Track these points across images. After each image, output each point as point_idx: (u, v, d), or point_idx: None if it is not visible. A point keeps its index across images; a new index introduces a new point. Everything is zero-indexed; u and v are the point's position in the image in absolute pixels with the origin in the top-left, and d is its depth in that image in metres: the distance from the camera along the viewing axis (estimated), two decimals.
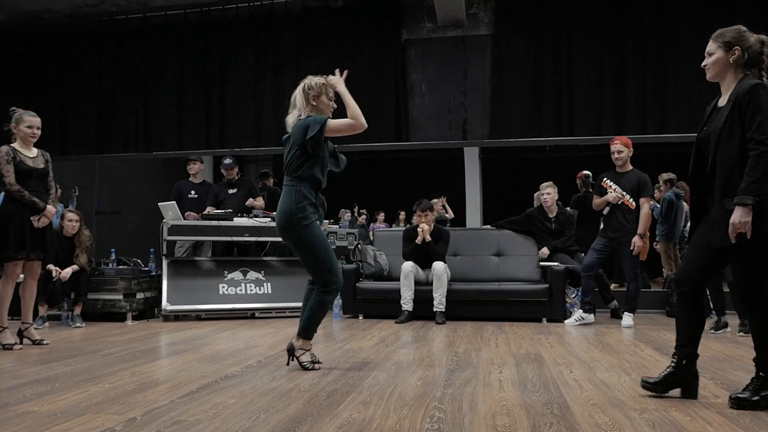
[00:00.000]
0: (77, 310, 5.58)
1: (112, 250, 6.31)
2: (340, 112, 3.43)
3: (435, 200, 6.78)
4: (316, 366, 3.41)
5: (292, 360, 3.45)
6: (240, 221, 6.18)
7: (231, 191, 6.80)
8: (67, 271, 5.51)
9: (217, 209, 6.52)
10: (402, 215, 10.81)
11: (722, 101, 2.70)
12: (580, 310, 5.56)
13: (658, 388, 2.75)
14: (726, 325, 5.11)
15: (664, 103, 6.83)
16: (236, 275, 6.19)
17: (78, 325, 5.48)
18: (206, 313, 5.99)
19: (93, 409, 2.56)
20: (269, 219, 6.17)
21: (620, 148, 5.52)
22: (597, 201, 5.64)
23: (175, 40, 7.98)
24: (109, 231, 10.20)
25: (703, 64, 2.74)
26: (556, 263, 5.89)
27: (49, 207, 4.33)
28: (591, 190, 6.53)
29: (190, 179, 7.04)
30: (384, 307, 5.96)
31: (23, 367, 3.54)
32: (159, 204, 6.21)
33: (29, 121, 4.35)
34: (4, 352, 4.11)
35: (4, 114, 4.46)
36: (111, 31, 8.08)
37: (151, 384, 3.04)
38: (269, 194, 7.21)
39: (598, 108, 6.99)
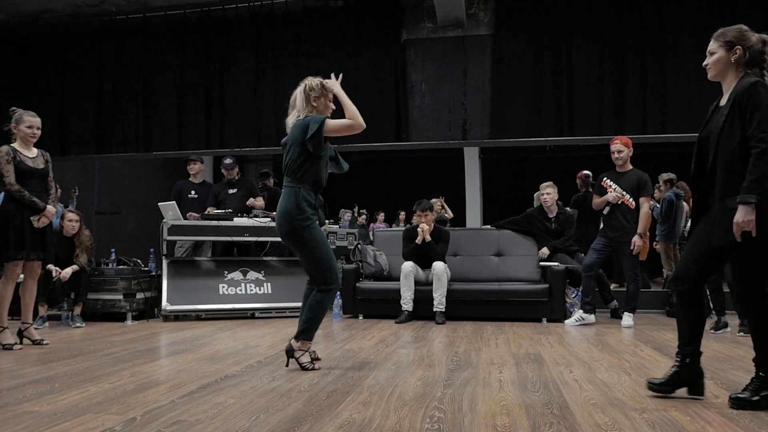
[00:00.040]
0: (77, 310, 5.58)
1: (112, 250, 6.31)
2: (339, 114, 3.45)
3: (434, 200, 6.78)
4: (316, 366, 3.41)
5: (291, 361, 3.45)
6: (240, 221, 6.18)
7: (231, 191, 6.80)
8: (67, 271, 5.51)
9: (217, 209, 6.52)
10: (402, 215, 10.81)
11: (723, 100, 2.70)
12: (581, 311, 5.56)
13: (664, 388, 2.73)
14: (726, 325, 5.11)
15: (664, 103, 6.83)
16: (236, 275, 6.19)
17: (78, 325, 5.48)
18: (206, 313, 5.99)
19: (93, 409, 2.56)
20: (269, 219, 6.17)
21: (620, 147, 5.52)
22: (597, 201, 5.64)
23: (175, 40, 7.98)
24: (109, 231, 10.20)
25: (704, 63, 2.74)
26: (556, 263, 5.89)
27: (49, 207, 4.33)
28: (591, 189, 6.53)
29: (190, 179, 7.04)
30: (384, 307, 5.96)
31: (23, 367, 3.54)
32: (159, 204, 6.21)
33: (29, 121, 4.35)
34: (4, 352, 4.11)
35: (4, 114, 4.46)
36: (111, 31, 8.08)
37: (151, 384, 3.04)
38: (269, 194, 7.20)
39: (598, 108, 6.99)
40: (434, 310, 5.70)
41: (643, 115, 6.87)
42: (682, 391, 2.74)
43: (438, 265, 5.77)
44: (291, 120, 3.48)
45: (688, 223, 4.77)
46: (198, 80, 7.92)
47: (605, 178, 5.62)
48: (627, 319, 5.45)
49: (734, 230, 2.47)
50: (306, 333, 3.43)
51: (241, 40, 7.82)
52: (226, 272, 6.17)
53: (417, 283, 5.85)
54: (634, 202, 5.44)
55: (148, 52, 8.06)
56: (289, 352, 3.43)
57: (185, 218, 6.29)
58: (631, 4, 6.96)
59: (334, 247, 6.96)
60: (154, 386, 2.99)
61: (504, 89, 7.19)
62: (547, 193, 6.20)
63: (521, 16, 7.22)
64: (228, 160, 6.84)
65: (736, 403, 2.54)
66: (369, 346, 4.26)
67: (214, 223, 6.13)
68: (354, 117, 3.36)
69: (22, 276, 4.40)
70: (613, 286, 6.83)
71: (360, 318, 6.04)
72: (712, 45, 2.70)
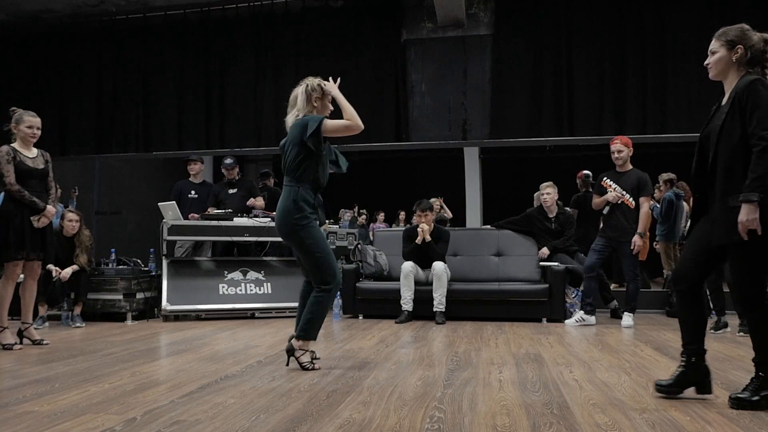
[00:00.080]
0: (77, 310, 5.58)
1: (112, 250, 6.31)
2: (337, 116, 3.47)
3: (432, 200, 6.78)
4: (316, 366, 3.42)
5: (292, 360, 3.45)
6: (240, 221, 6.18)
7: (231, 191, 6.81)
8: (67, 271, 5.51)
9: (217, 209, 6.52)
10: (402, 215, 10.81)
11: (725, 100, 2.69)
12: (582, 311, 5.56)
13: (672, 390, 2.72)
14: (726, 325, 5.11)
15: (664, 103, 6.82)
16: (236, 275, 6.19)
17: (78, 325, 5.48)
18: (206, 313, 5.99)
19: (93, 409, 2.56)
20: (269, 219, 6.17)
21: (620, 147, 5.52)
22: (596, 200, 5.64)
23: (175, 40, 7.98)
24: (109, 231, 10.20)
25: (705, 62, 2.73)
26: (556, 263, 5.89)
27: (49, 207, 4.33)
28: (591, 189, 6.53)
29: (190, 179, 7.04)
30: (384, 307, 5.96)
31: (23, 367, 3.54)
32: (159, 204, 6.21)
33: (29, 121, 4.35)
34: (4, 352, 4.11)
35: (4, 114, 4.46)
36: (111, 31, 8.08)
37: (151, 384, 3.04)
38: (270, 194, 7.21)
39: (598, 108, 6.99)
40: (434, 310, 5.70)
41: (643, 115, 6.86)
42: (688, 391, 2.73)
43: (438, 265, 5.77)
44: (290, 119, 3.50)
45: (688, 223, 4.78)
46: (198, 80, 7.91)
47: (605, 178, 5.62)
48: (627, 319, 5.45)
49: (740, 229, 2.45)
50: (307, 333, 3.43)
51: (241, 40, 7.82)
52: (226, 272, 6.17)
53: (417, 283, 5.85)
54: (633, 202, 5.44)
55: (148, 52, 8.06)
56: (290, 352, 3.44)
57: (186, 219, 6.29)
58: (631, 4, 6.96)
59: (334, 247, 6.96)
60: (154, 386, 2.99)
61: (504, 89, 7.19)
62: (547, 193, 6.20)
63: (521, 16, 7.22)
64: (228, 160, 6.84)
65: (736, 403, 2.54)
66: (369, 346, 4.26)
67: (214, 223, 6.13)
68: (352, 118, 3.39)
69: (22, 276, 4.40)
70: (613, 286, 6.83)
71: (360, 318, 6.04)
72: (714, 44, 2.70)
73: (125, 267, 6.14)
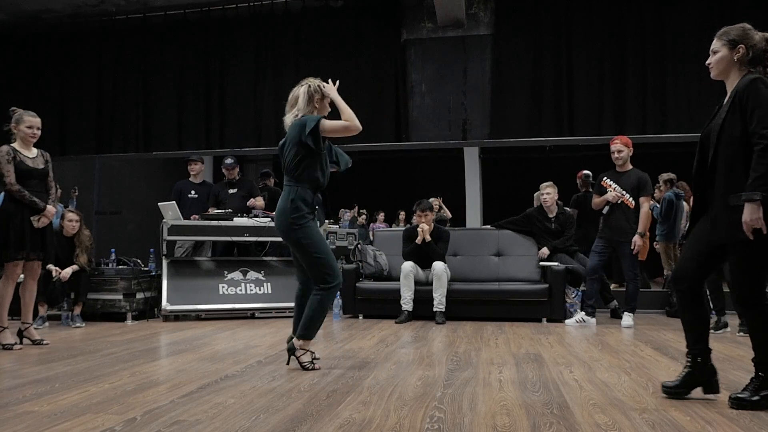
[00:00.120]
0: (77, 310, 5.58)
1: (112, 250, 6.31)
2: (335, 116, 3.48)
3: (432, 199, 6.79)
4: (316, 366, 3.42)
5: (292, 360, 3.45)
6: (240, 221, 6.18)
7: (231, 191, 6.81)
8: (67, 271, 5.51)
9: (217, 209, 6.52)
10: (402, 215, 10.82)
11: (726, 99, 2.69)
12: (582, 312, 5.57)
13: (680, 391, 2.71)
14: (726, 325, 5.11)
15: (664, 103, 6.83)
16: (236, 275, 6.19)
17: (78, 325, 5.48)
18: (206, 313, 5.99)
19: (93, 409, 2.56)
20: (269, 219, 6.17)
21: (620, 147, 5.52)
22: (596, 200, 5.64)
23: (175, 40, 7.98)
24: (109, 231, 10.20)
25: (707, 62, 2.73)
26: (556, 263, 5.89)
27: (49, 207, 4.33)
28: (591, 189, 6.53)
29: (190, 179, 7.04)
30: (384, 307, 5.96)
31: (23, 367, 3.54)
32: (159, 204, 6.21)
33: (29, 121, 4.35)
34: (4, 352, 4.11)
35: (4, 114, 4.45)
36: (111, 31, 8.09)
37: (151, 384, 3.04)
38: (270, 194, 7.20)
39: (598, 108, 6.99)
40: (434, 310, 5.70)
41: (643, 115, 6.87)
42: (692, 391, 2.72)
43: (438, 265, 5.77)
44: (289, 119, 3.50)
45: (688, 223, 4.79)
46: (198, 80, 7.92)
47: (605, 178, 5.62)
48: (627, 319, 5.45)
49: (745, 229, 2.44)
50: (308, 333, 3.44)
51: (241, 40, 7.82)
52: (226, 272, 6.17)
53: (417, 283, 5.85)
54: (633, 202, 5.44)
55: (147, 52, 8.06)
56: (291, 351, 3.44)
57: (187, 219, 6.28)
58: (631, 4, 6.96)
59: (333, 247, 6.96)
60: (154, 386, 2.99)
61: (504, 89, 7.19)
62: (547, 193, 6.20)
63: (521, 16, 7.22)
64: (229, 160, 6.84)
65: (736, 403, 2.54)
66: (369, 346, 4.26)
67: (214, 223, 6.13)
68: (350, 119, 3.41)
69: (22, 276, 4.40)
70: (613, 286, 6.83)
71: (360, 318, 6.04)
72: (715, 44, 2.69)
73: (125, 267, 6.14)
